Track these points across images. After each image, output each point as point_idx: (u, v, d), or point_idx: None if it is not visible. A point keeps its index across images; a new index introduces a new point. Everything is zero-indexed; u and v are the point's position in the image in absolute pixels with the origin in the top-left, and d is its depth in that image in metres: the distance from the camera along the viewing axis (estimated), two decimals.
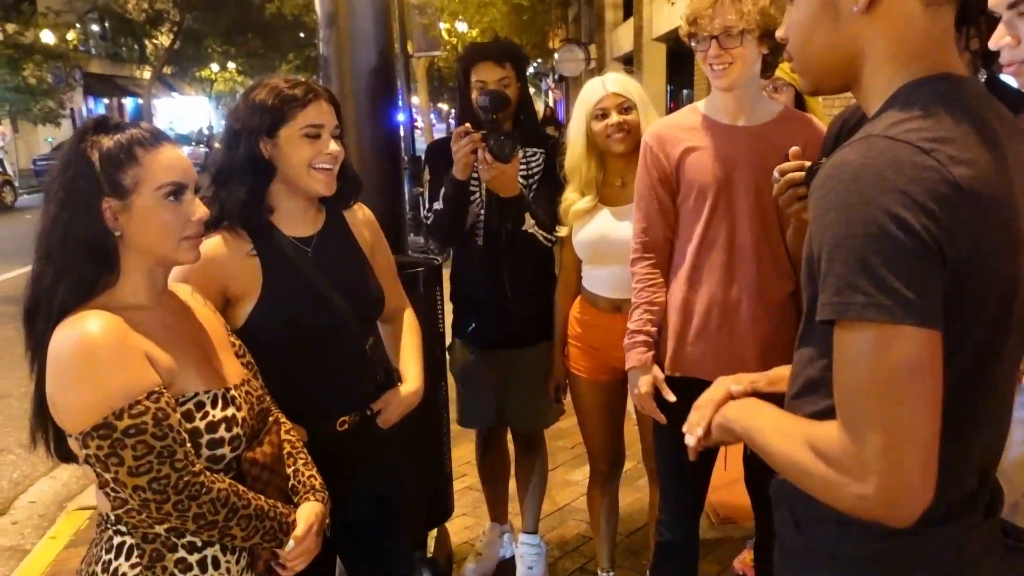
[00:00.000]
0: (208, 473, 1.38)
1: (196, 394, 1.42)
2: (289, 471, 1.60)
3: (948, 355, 0.92)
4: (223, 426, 1.43)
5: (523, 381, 2.76)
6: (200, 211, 1.44)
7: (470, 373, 2.81)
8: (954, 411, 0.94)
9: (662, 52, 16.63)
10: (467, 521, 3.41)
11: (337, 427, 1.85)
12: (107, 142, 1.37)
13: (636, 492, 3.45)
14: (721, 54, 2.00)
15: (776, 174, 1.80)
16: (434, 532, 3.02)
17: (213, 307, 1.63)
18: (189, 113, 38.00)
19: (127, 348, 1.31)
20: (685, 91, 15.65)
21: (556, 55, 21.32)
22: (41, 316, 1.35)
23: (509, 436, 3.02)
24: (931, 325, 0.89)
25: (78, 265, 1.34)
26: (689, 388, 1.77)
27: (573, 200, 2.50)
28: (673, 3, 14.01)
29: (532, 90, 39.18)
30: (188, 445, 1.35)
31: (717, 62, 2.01)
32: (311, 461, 1.67)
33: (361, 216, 1.99)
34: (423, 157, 3.00)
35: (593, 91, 2.45)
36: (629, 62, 17.21)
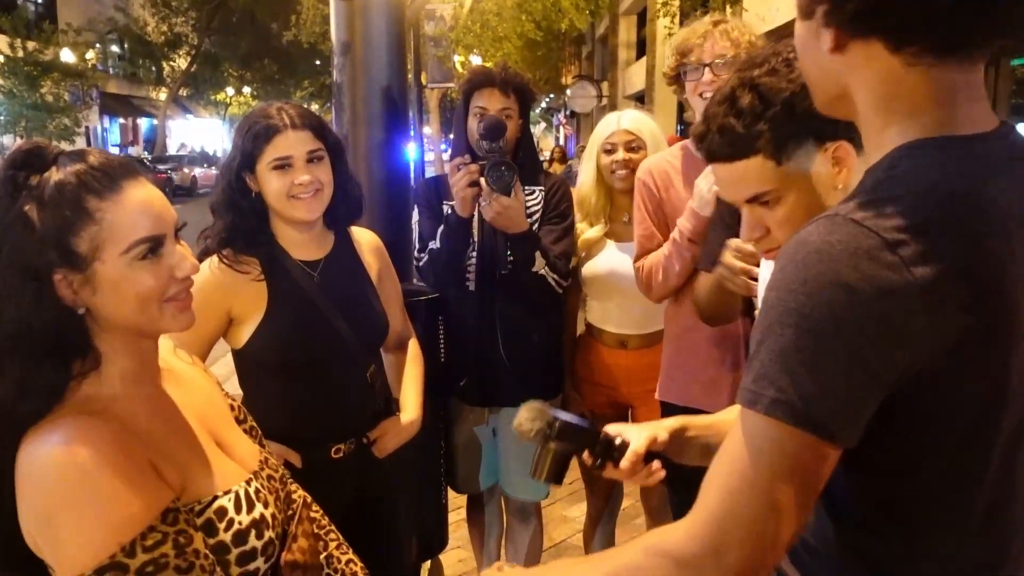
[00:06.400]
0: None
1: (215, 498, 1.12)
2: (321, 558, 1.34)
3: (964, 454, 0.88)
4: (253, 533, 1.13)
5: (519, 444, 2.54)
6: (186, 264, 1.10)
7: (463, 434, 2.56)
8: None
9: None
10: (461, 554, 3.36)
11: (332, 454, 1.83)
12: (47, 192, 1.01)
13: (633, 531, 3.40)
14: (714, 80, 2.00)
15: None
16: (427, 564, 2.99)
17: (202, 364, 1.36)
18: (202, 135, 38.42)
19: (129, 460, 1.01)
20: None
21: (568, 91, 21.53)
22: None
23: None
24: (833, 439, 0.83)
25: (41, 367, 1.01)
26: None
27: (582, 230, 2.51)
28: None
29: (543, 124, 39.42)
30: (219, 570, 1.07)
31: (710, 88, 2.00)
32: (343, 540, 1.44)
33: (369, 242, 2.00)
34: (411, 195, 2.64)
35: (607, 125, 2.49)
36: (641, 100, 17.37)
